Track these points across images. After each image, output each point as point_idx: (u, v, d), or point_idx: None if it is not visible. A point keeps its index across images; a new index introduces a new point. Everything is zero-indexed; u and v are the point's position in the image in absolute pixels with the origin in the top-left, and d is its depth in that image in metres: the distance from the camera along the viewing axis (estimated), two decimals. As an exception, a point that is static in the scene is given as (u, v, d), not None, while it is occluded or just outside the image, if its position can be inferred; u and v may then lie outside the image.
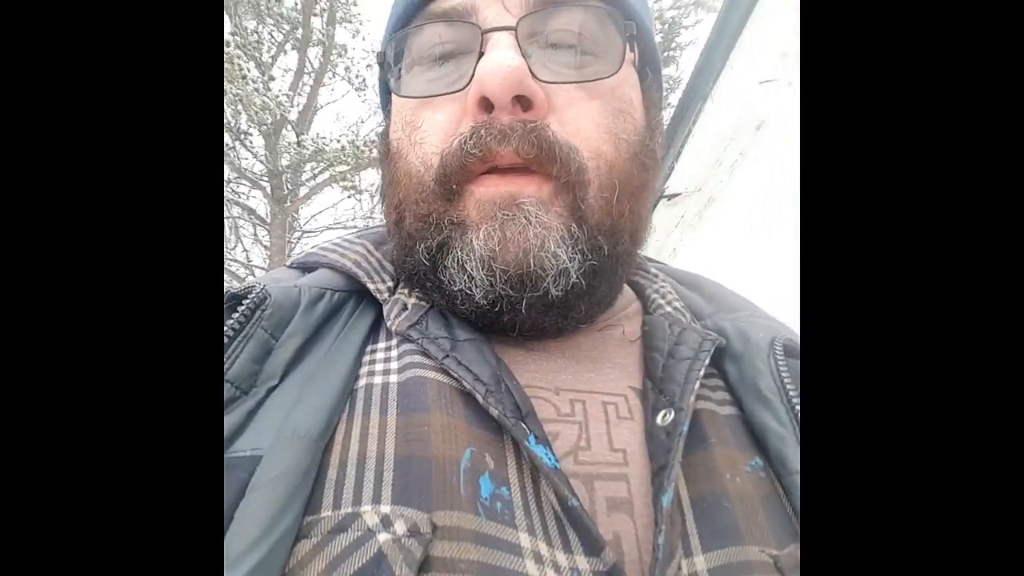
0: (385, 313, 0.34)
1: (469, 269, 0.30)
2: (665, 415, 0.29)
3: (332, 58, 6.44)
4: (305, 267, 0.37)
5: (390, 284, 0.36)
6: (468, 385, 0.28)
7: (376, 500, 0.24)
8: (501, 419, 0.27)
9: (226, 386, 0.26)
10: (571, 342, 0.35)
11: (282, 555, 0.22)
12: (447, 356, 0.30)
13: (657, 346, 0.34)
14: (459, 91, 0.31)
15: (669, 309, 0.38)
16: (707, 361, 0.31)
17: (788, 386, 0.31)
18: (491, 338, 0.33)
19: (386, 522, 0.23)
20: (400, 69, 0.35)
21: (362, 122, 7.08)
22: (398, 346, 0.32)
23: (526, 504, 0.26)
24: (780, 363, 0.33)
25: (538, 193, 0.30)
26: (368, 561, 0.22)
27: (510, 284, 0.30)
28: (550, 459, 0.26)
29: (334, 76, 6.66)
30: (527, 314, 0.31)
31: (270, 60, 6.26)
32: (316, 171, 6.47)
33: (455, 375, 0.29)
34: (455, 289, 0.31)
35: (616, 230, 0.32)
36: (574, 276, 0.30)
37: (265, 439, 0.25)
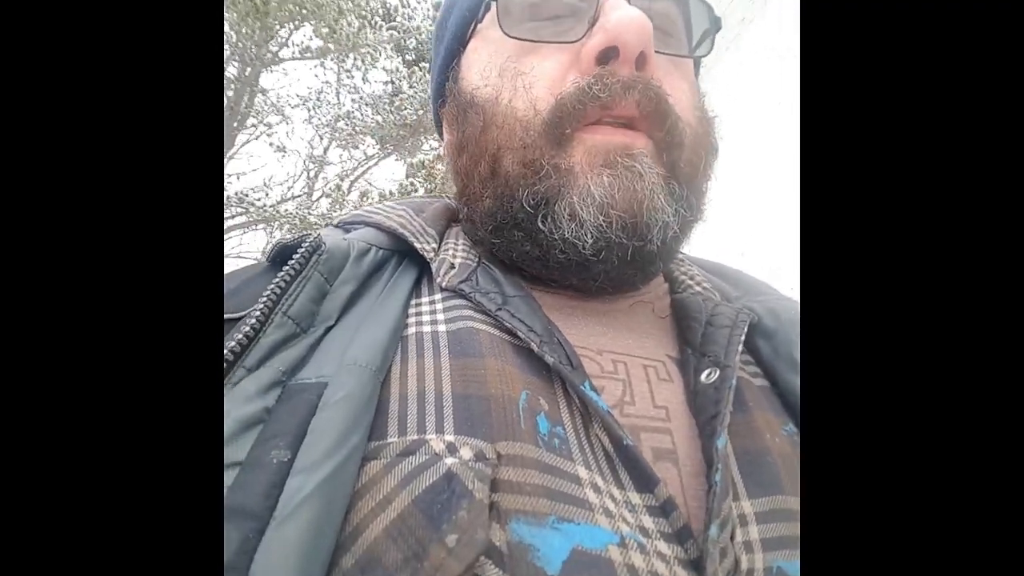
0: (434, 270, 0.35)
1: (583, 215, 0.30)
2: (710, 373, 0.30)
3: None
4: (349, 227, 0.38)
5: (434, 245, 0.37)
6: (523, 335, 0.29)
7: (440, 430, 0.25)
8: (557, 366, 0.27)
9: (288, 322, 0.28)
10: (607, 310, 0.36)
11: (352, 469, 0.22)
12: (500, 308, 0.31)
13: (694, 316, 0.35)
14: (573, 42, 0.33)
15: (699, 289, 0.40)
16: (746, 329, 0.33)
17: None
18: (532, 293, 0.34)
19: (451, 448, 0.24)
20: (498, 14, 0.35)
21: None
22: (443, 301, 0.33)
23: (580, 443, 0.26)
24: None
25: (647, 148, 0.32)
26: (439, 479, 0.22)
27: (623, 231, 0.31)
28: (603, 405, 0.27)
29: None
30: (619, 266, 0.32)
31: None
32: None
33: (508, 325, 0.30)
34: (557, 237, 0.31)
35: (700, 194, 0.35)
36: (673, 230, 0.32)
37: (328, 369, 0.26)
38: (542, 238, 0.32)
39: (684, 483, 0.27)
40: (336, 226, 0.39)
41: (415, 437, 0.24)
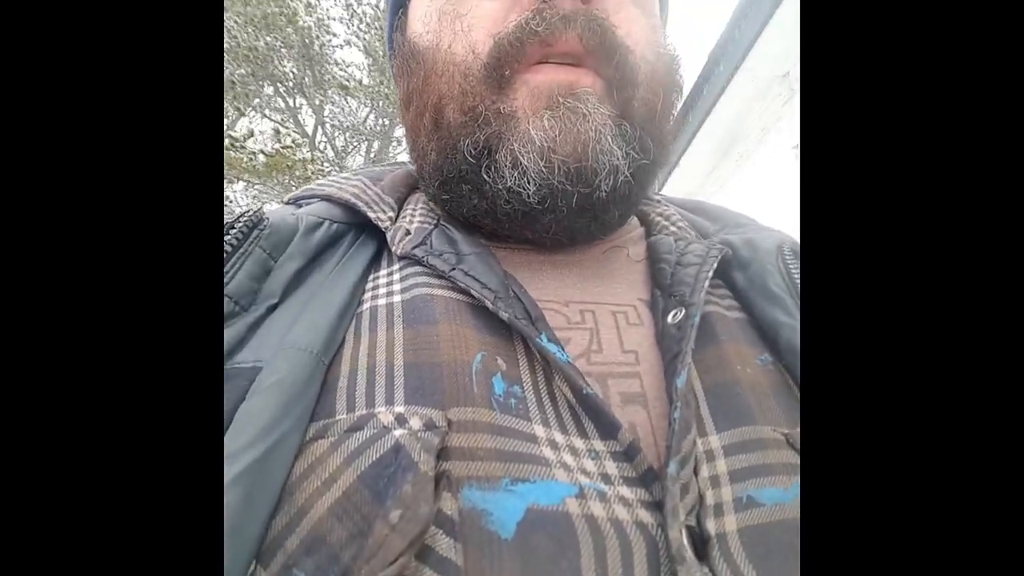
0: (389, 239, 0.33)
1: (524, 162, 0.29)
2: (676, 314, 0.29)
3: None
4: (302, 202, 0.36)
5: (391, 214, 0.36)
6: (476, 293, 0.28)
7: (389, 402, 0.24)
8: (512, 321, 0.26)
9: (227, 301, 0.26)
10: (576, 260, 0.35)
11: (283, 457, 0.22)
12: (453, 269, 0.30)
13: (664, 258, 0.34)
14: None
15: (674, 229, 0.38)
16: (715, 265, 0.31)
17: (797, 283, 0.31)
18: (497, 255, 0.32)
19: (401, 420, 0.23)
20: None
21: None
22: (401, 270, 0.32)
23: (539, 400, 0.25)
24: (789, 263, 0.32)
25: (594, 86, 0.30)
26: (386, 452, 0.22)
27: (567, 177, 0.29)
28: (563, 355, 0.26)
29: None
30: (568, 215, 0.31)
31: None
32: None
33: (462, 285, 0.28)
34: (501, 188, 0.30)
35: (657, 136, 0.33)
36: (624, 175, 0.30)
37: (266, 352, 0.25)
38: (487, 189, 0.31)
39: (654, 425, 0.26)
40: (287, 202, 0.37)
41: (363, 412, 0.24)
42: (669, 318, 0.29)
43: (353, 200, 0.35)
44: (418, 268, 0.31)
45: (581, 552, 0.21)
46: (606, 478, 0.23)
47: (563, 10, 0.29)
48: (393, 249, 0.33)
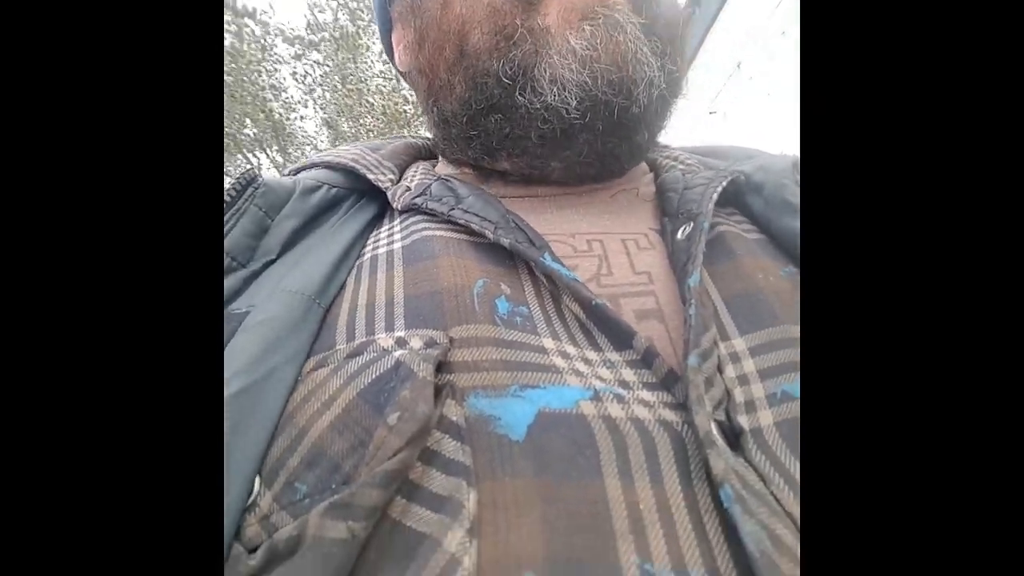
0: (390, 196, 0.33)
1: (566, 74, 0.28)
2: (684, 229, 0.28)
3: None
4: (300, 171, 0.36)
5: (392, 177, 0.35)
6: (476, 226, 0.27)
7: (389, 329, 0.23)
8: (513, 246, 0.25)
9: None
10: (584, 202, 0.34)
11: (272, 389, 0.21)
12: (453, 209, 0.29)
13: (672, 188, 0.33)
14: None
15: (682, 166, 0.37)
16: (724, 184, 0.30)
17: None
18: (500, 199, 0.32)
19: (401, 343, 0.22)
20: None
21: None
22: (402, 223, 0.31)
23: (547, 317, 0.24)
24: None
25: (623, 1, 0.29)
26: (386, 370, 0.21)
27: (610, 86, 0.28)
28: (568, 273, 0.25)
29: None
30: (604, 133, 0.30)
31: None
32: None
33: (461, 222, 0.28)
34: (539, 107, 0.29)
35: (681, 57, 0.32)
36: (658, 88, 0.29)
37: (259, 299, 0.25)
38: (521, 114, 0.30)
39: (673, 338, 0.24)
40: (287, 173, 0.37)
41: (363, 339, 0.23)
42: (679, 235, 0.28)
43: (352, 164, 0.34)
44: (418, 217, 0.31)
45: (600, 449, 0.19)
46: (624, 384, 0.22)
47: None
48: (394, 204, 0.32)
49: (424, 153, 0.44)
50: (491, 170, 0.35)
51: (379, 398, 0.20)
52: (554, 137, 0.30)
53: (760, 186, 0.32)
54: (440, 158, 0.40)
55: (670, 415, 0.21)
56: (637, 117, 0.30)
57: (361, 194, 0.35)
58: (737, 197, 0.32)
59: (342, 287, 0.27)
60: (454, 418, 0.20)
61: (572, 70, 0.28)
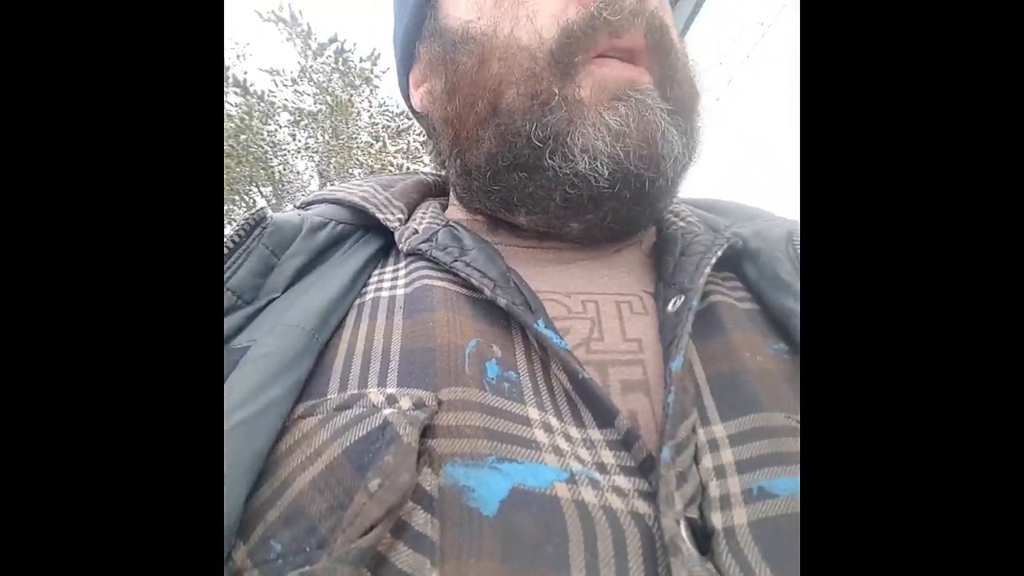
0: (397, 237, 0.34)
1: (600, 146, 0.29)
2: (675, 302, 0.28)
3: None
4: (310, 206, 0.36)
5: (400, 216, 0.36)
6: (476, 282, 0.28)
7: (381, 384, 0.24)
8: (509, 307, 0.26)
9: (228, 294, 0.27)
10: (586, 257, 0.34)
11: (266, 424, 0.21)
12: (455, 260, 0.30)
13: (669, 250, 0.33)
14: None
15: (682, 224, 0.37)
16: (719, 253, 0.30)
17: None
18: (503, 253, 0.32)
19: (391, 400, 0.22)
20: None
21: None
22: (407, 266, 0.32)
23: (535, 385, 0.25)
24: (799, 251, 0.31)
25: (651, 83, 0.31)
26: (373, 430, 0.21)
27: (641, 160, 0.29)
28: (559, 341, 0.25)
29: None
30: (630, 201, 0.31)
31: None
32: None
33: (463, 275, 0.28)
34: (568, 172, 0.30)
35: (697, 133, 0.34)
36: (682, 163, 0.31)
37: (260, 334, 0.26)
38: (548, 176, 0.30)
39: (656, 413, 0.24)
40: (297, 207, 0.38)
41: (354, 392, 0.23)
42: (669, 306, 0.28)
43: (362, 202, 0.35)
44: (422, 263, 0.31)
45: (569, 538, 0.19)
46: (601, 467, 0.22)
47: (629, 5, 0.30)
48: (400, 246, 0.33)
49: (435, 190, 0.44)
50: (503, 221, 0.36)
51: (363, 458, 0.20)
52: (579, 202, 0.31)
53: (755, 254, 0.32)
54: (451, 199, 0.41)
55: (643, 507, 0.21)
56: (662, 188, 0.31)
57: (367, 229, 0.35)
58: (734, 261, 0.33)
59: (341, 325, 0.28)
60: (428, 487, 0.20)
61: (605, 142, 0.29)
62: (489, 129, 0.32)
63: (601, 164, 0.29)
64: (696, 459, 0.22)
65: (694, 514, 0.20)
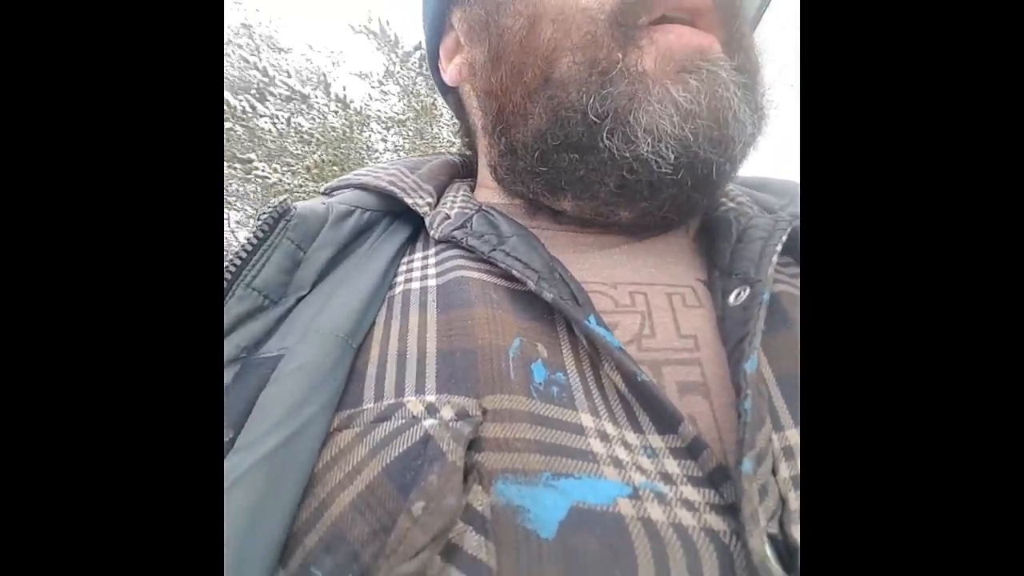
0: (428, 223, 0.32)
1: (666, 126, 0.26)
2: (739, 293, 0.25)
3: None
4: (335, 192, 0.35)
5: (430, 200, 0.34)
6: (518, 274, 0.25)
7: (420, 391, 0.22)
8: (556, 302, 0.24)
9: (254, 295, 0.25)
10: (628, 240, 0.32)
11: (307, 444, 0.20)
12: (494, 250, 0.27)
13: (723, 235, 0.30)
14: None
15: (733, 205, 0.34)
16: (783, 239, 0.27)
17: None
18: (540, 238, 0.29)
19: (431, 409, 0.21)
20: None
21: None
22: (437, 254, 0.30)
23: (586, 388, 0.22)
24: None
25: (721, 51, 0.27)
26: (414, 444, 0.20)
27: (711, 144, 0.26)
28: (613, 339, 0.23)
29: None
30: (691, 188, 0.28)
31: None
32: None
33: (503, 266, 0.26)
34: (628, 155, 0.27)
35: (764, 107, 0.30)
36: (751, 147, 0.28)
37: (292, 340, 0.24)
38: (603, 158, 0.27)
39: (718, 418, 0.22)
40: (323, 193, 0.36)
41: (391, 401, 0.22)
42: (731, 298, 0.25)
43: (389, 187, 0.33)
44: (456, 251, 0.29)
45: (638, 560, 0.17)
46: (666, 478, 0.20)
47: None
48: (432, 233, 0.31)
49: (463, 172, 0.42)
50: (545, 206, 0.33)
51: (405, 476, 0.19)
52: (636, 188, 0.28)
53: None
54: (480, 182, 0.39)
55: (717, 522, 0.19)
56: (727, 174, 0.28)
57: (395, 216, 0.34)
58: (791, 245, 0.29)
59: (373, 324, 0.26)
60: (479, 507, 0.18)
61: (673, 123, 0.26)
62: (539, 103, 0.29)
63: (666, 147, 0.26)
64: (774, 471, 0.20)
65: (775, 529, 0.19)
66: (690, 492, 0.19)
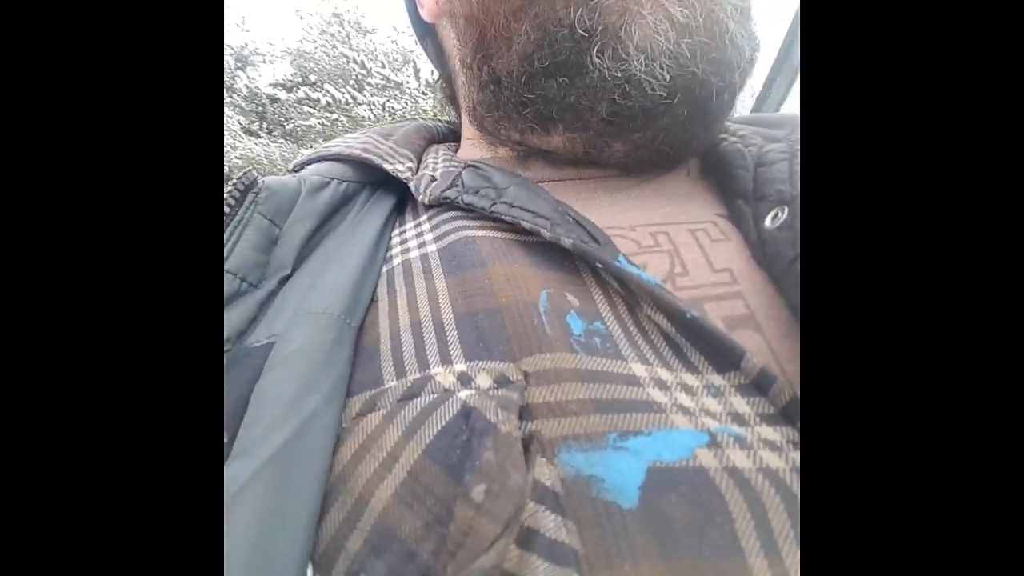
0: (413, 188, 0.29)
1: (658, 42, 0.24)
2: (777, 214, 0.23)
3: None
4: (305, 166, 0.32)
5: (410, 165, 0.31)
6: (528, 224, 0.23)
7: (446, 361, 0.20)
8: (577, 247, 0.22)
9: (229, 277, 0.23)
10: (633, 184, 0.30)
11: (317, 437, 0.18)
12: (495, 203, 0.25)
13: (738, 164, 0.28)
14: None
15: (735, 138, 0.32)
16: None
17: None
18: (540, 183, 0.27)
19: (464, 379, 0.19)
20: None
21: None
22: (431, 219, 0.27)
23: (628, 334, 0.20)
24: None
25: None
26: (453, 418, 0.17)
27: (710, 63, 0.24)
28: (648, 277, 0.21)
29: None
30: (688, 118, 0.26)
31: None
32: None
33: (508, 219, 0.24)
34: (619, 75, 0.24)
35: (755, 38, 0.28)
36: (748, 74, 0.26)
37: (281, 325, 0.21)
38: (594, 79, 0.25)
39: (774, 349, 0.20)
40: (292, 170, 0.33)
41: (417, 376, 0.19)
42: (767, 222, 0.23)
43: (364, 155, 0.31)
44: (451, 213, 0.27)
45: (734, 515, 0.16)
46: (738, 418, 0.18)
47: None
48: (419, 198, 0.28)
49: (439, 137, 0.39)
50: (534, 149, 0.31)
51: (450, 456, 0.17)
52: (630, 115, 0.26)
53: None
54: (463, 137, 0.36)
55: None
56: (726, 104, 0.26)
57: (375, 186, 0.31)
58: None
59: (373, 299, 0.24)
60: (547, 482, 0.16)
61: (668, 38, 0.24)
62: (525, 21, 0.26)
63: (660, 66, 0.24)
64: None
65: None
66: (769, 432, 0.17)
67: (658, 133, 0.27)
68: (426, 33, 0.37)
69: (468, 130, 0.34)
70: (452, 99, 0.37)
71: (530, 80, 0.27)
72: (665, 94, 0.24)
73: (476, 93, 0.31)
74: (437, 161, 0.32)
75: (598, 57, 0.24)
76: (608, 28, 0.24)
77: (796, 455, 0.17)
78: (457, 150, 0.37)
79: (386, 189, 0.31)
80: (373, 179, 0.31)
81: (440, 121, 0.41)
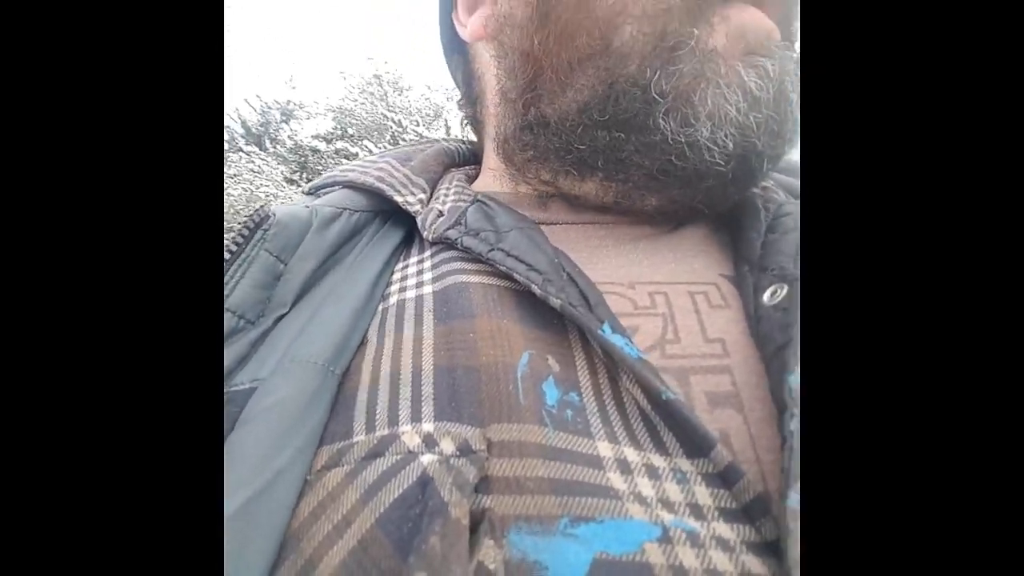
0: (419, 223, 0.29)
1: (727, 111, 0.24)
2: (775, 292, 0.22)
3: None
4: (321, 191, 0.32)
5: (422, 196, 0.31)
6: (521, 276, 0.23)
7: (416, 419, 0.19)
8: (565, 308, 0.21)
9: (228, 315, 0.22)
10: (646, 234, 0.29)
11: (281, 494, 0.17)
12: (492, 249, 0.25)
13: (751, 224, 0.27)
14: None
15: (758, 190, 0.31)
16: None
17: None
18: (547, 232, 0.27)
19: (429, 442, 0.18)
20: None
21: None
22: (433, 256, 0.27)
23: (602, 409, 0.20)
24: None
25: (781, 38, 0.25)
26: (410, 486, 0.17)
27: (770, 136, 0.24)
28: (631, 349, 0.20)
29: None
30: (733, 181, 0.26)
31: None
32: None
33: (503, 268, 0.23)
34: (682, 139, 0.24)
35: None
36: (798, 138, 0.26)
37: (266, 370, 0.21)
38: (654, 140, 0.25)
39: (753, 434, 0.19)
40: (307, 192, 0.33)
41: (385, 432, 0.19)
42: (765, 297, 0.23)
43: (378, 184, 0.30)
44: (452, 252, 0.26)
45: None
46: (696, 511, 0.17)
47: None
48: (424, 234, 0.28)
49: (460, 160, 0.39)
50: (560, 191, 0.30)
51: (402, 529, 0.16)
52: (679, 175, 0.25)
53: None
54: (488, 164, 0.35)
55: (756, 565, 0.16)
56: (768, 172, 0.26)
57: (387, 216, 0.31)
58: None
59: (363, 341, 0.23)
60: (491, 566, 0.16)
61: (739, 109, 0.24)
62: (588, 72, 0.25)
63: (726, 135, 0.24)
64: None
65: None
66: (723, 529, 0.17)
67: (698, 193, 0.27)
68: (455, 50, 0.37)
69: (492, 159, 0.34)
70: (474, 121, 0.37)
71: (584, 131, 0.27)
72: (723, 161, 0.24)
73: (515, 129, 0.30)
74: (449, 192, 0.32)
75: (663, 120, 0.24)
76: (680, 92, 0.24)
77: (747, 557, 0.16)
78: (474, 176, 0.36)
79: (397, 219, 0.31)
80: (385, 207, 0.31)
81: (463, 142, 0.40)
